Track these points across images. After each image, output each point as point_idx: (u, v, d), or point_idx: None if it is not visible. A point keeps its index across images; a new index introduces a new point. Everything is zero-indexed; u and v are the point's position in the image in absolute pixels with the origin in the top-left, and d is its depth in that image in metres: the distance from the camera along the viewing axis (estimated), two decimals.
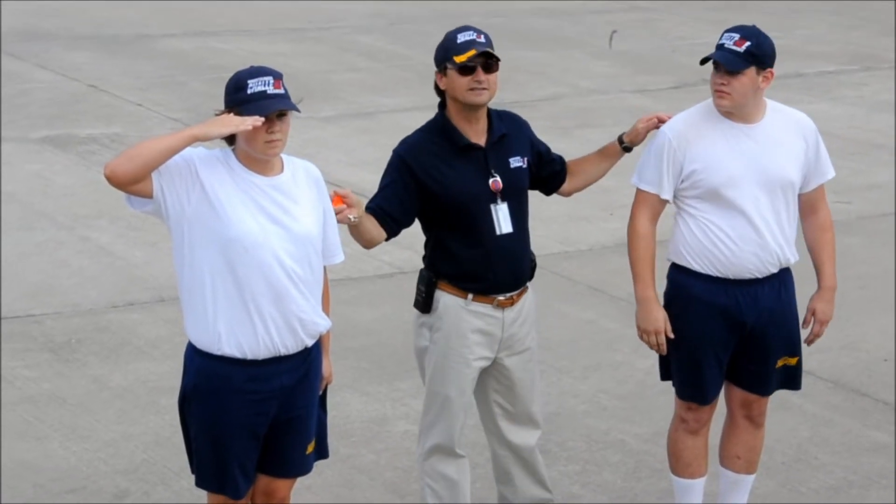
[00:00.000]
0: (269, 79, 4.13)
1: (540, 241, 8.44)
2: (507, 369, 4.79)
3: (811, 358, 6.62)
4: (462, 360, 4.70)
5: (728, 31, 4.72)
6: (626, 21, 14.99)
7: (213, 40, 13.64)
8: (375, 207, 4.66)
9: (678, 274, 4.81)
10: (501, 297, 4.70)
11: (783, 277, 4.81)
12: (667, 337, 4.77)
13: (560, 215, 8.59)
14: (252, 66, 4.23)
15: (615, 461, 5.69)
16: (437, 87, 4.71)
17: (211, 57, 12.92)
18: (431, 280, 4.71)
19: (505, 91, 11.77)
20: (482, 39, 4.64)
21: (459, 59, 4.58)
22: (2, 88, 11.40)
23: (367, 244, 4.69)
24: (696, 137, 4.69)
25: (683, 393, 4.88)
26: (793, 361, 4.90)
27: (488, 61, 4.62)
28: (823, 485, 5.54)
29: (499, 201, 4.66)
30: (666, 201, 4.76)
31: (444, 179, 4.63)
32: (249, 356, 4.08)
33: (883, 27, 14.71)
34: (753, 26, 4.75)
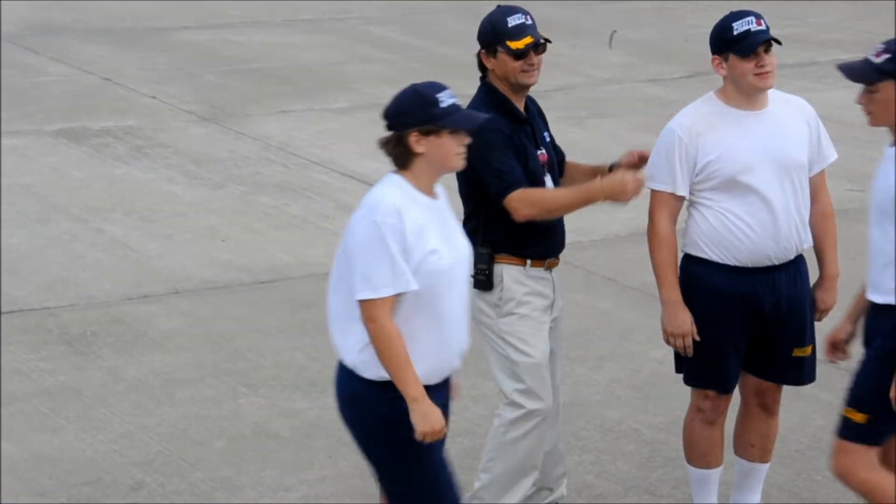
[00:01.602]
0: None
1: None
2: (553, 329, 4.90)
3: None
4: (534, 322, 4.78)
5: (734, 18, 4.68)
6: (639, 10, 14.96)
7: (227, 32, 13.65)
8: (520, 182, 4.65)
9: (694, 265, 4.80)
10: (551, 259, 4.85)
11: (798, 264, 4.81)
12: (693, 339, 4.75)
13: None
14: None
15: (629, 451, 5.70)
16: (480, 64, 4.79)
17: (225, 49, 12.94)
18: (490, 255, 4.77)
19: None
20: (531, 22, 4.74)
21: (516, 45, 4.68)
22: (17, 82, 11.44)
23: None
24: (705, 129, 4.68)
25: (703, 381, 4.87)
26: (807, 351, 4.89)
27: (539, 44, 4.71)
28: None
29: (546, 172, 4.80)
30: (682, 198, 4.75)
31: (517, 150, 4.71)
32: None
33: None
34: (746, 10, 4.76)
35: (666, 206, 4.73)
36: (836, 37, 13.59)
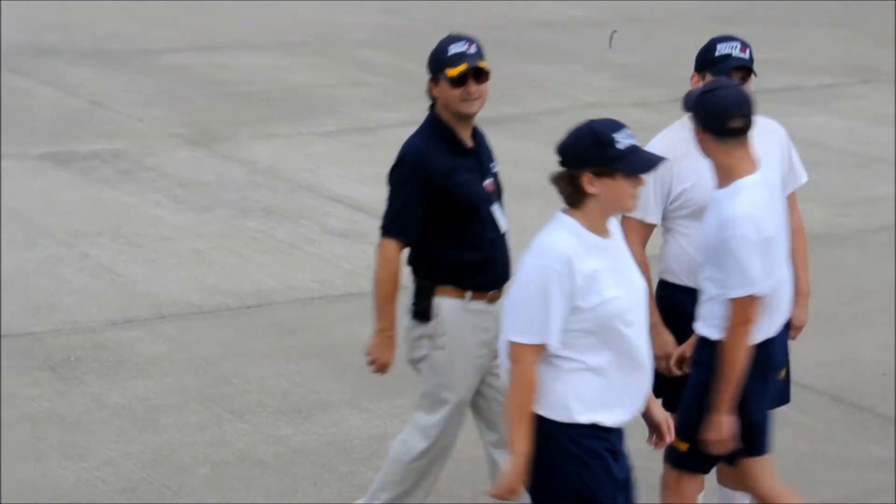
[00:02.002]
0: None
1: None
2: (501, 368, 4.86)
3: (810, 373, 6.63)
4: (469, 361, 4.77)
5: (721, 41, 4.72)
6: (626, 34, 15.02)
7: (215, 55, 13.66)
8: (401, 231, 4.68)
9: (671, 291, 4.83)
10: (493, 291, 4.81)
11: None
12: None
13: None
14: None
15: None
16: (429, 93, 4.81)
17: (212, 72, 12.95)
18: (430, 287, 4.76)
19: (505, 104, 11.92)
20: (473, 50, 4.74)
21: (452, 72, 4.68)
22: (4, 105, 11.43)
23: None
24: (680, 156, 4.69)
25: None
26: (782, 374, 4.90)
27: (479, 72, 4.71)
28: (823, 499, 5.53)
29: (494, 202, 4.82)
30: (653, 225, 4.77)
31: (454, 181, 4.71)
32: None
33: (882, 40, 14.72)
34: (734, 35, 4.79)
35: (638, 233, 4.76)
36: (822, 62, 13.64)
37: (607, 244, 3.94)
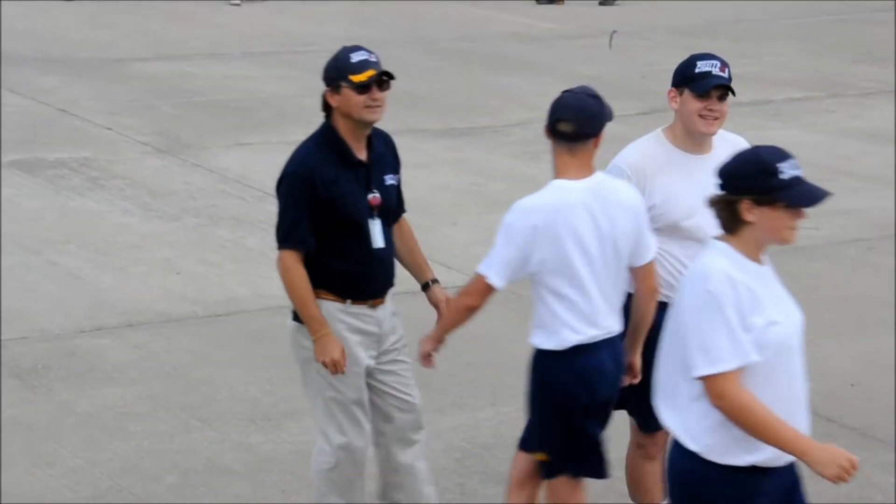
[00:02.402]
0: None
1: None
2: (393, 361, 4.96)
3: None
4: (352, 360, 4.83)
5: (701, 58, 4.74)
6: (596, 46, 15.06)
7: (184, 64, 13.62)
8: (298, 242, 4.75)
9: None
10: (374, 299, 4.89)
11: None
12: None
13: None
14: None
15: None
16: (324, 103, 4.84)
17: (182, 81, 12.91)
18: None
19: (476, 115, 11.94)
20: (375, 59, 4.81)
21: (358, 77, 4.74)
22: None
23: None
24: (653, 171, 4.72)
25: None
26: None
27: (383, 80, 4.78)
28: None
29: (375, 216, 4.84)
30: None
31: (335, 193, 4.76)
32: None
33: (850, 54, 14.82)
34: (714, 54, 4.81)
35: None
36: (791, 76, 13.72)
37: (762, 271, 3.81)
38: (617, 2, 17.41)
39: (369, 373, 4.94)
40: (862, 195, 9.74)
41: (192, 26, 15.65)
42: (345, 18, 16.40)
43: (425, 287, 5.02)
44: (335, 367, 4.80)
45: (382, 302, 4.92)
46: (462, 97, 12.40)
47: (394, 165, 4.98)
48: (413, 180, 10.33)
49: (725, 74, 4.71)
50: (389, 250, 4.93)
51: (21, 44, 14.16)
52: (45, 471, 5.72)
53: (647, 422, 4.88)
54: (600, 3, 17.43)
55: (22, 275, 7.98)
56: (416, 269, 5.08)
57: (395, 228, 5.03)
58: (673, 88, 4.79)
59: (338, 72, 4.78)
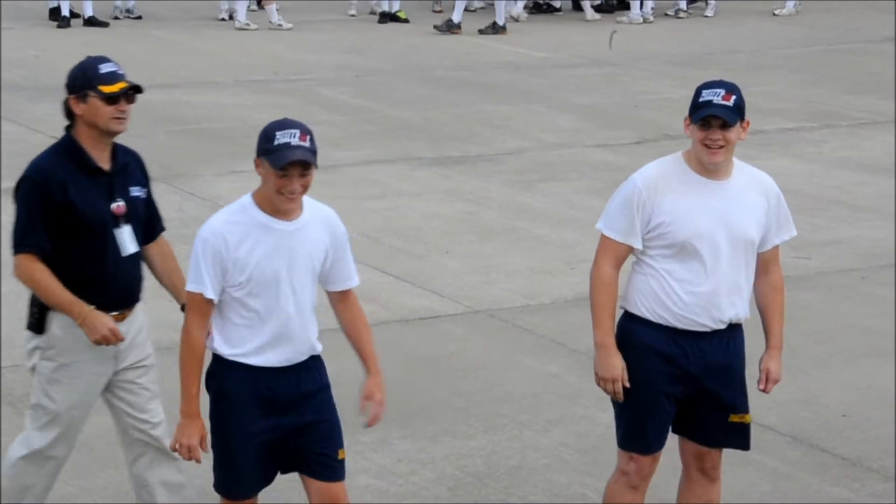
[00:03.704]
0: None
1: (503, 294, 8.50)
2: (132, 382, 5.03)
3: (770, 413, 6.66)
4: (77, 377, 4.91)
5: (707, 87, 4.74)
6: (589, 75, 15.12)
7: (178, 92, 13.65)
8: (34, 246, 4.83)
9: (629, 321, 4.86)
10: (115, 313, 4.93)
11: (733, 332, 4.86)
12: (623, 386, 4.79)
13: (523, 269, 8.61)
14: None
15: None
16: (67, 111, 4.97)
17: (175, 109, 12.93)
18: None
19: (470, 144, 11.96)
20: (122, 72, 4.94)
21: (109, 89, 4.87)
22: None
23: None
24: (666, 190, 4.72)
25: (626, 443, 4.91)
26: (746, 419, 4.92)
27: (130, 93, 4.91)
28: None
29: (121, 224, 4.92)
30: (632, 249, 4.79)
31: (75, 201, 4.83)
32: None
33: (842, 85, 14.89)
34: (726, 80, 4.81)
35: (615, 253, 4.79)
36: (783, 106, 13.77)
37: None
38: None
39: (108, 387, 5.02)
40: (855, 225, 9.77)
41: (184, 55, 15.69)
42: (338, 47, 16.46)
43: (184, 308, 4.96)
44: (114, 336, 4.82)
45: (124, 317, 4.95)
46: (456, 126, 12.43)
47: (141, 180, 5.07)
48: (406, 208, 10.42)
49: (730, 103, 4.69)
50: (136, 263, 4.99)
51: (14, 72, 14.18)
52: None
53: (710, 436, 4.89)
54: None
55: (15, 302, 7.96)
56: (175, 291, 5.11)
57: (154, 248, 5.10)
58: (687, 116, 4.80)
59: (86, 81, 4.90)
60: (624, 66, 15.62)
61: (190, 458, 4.72)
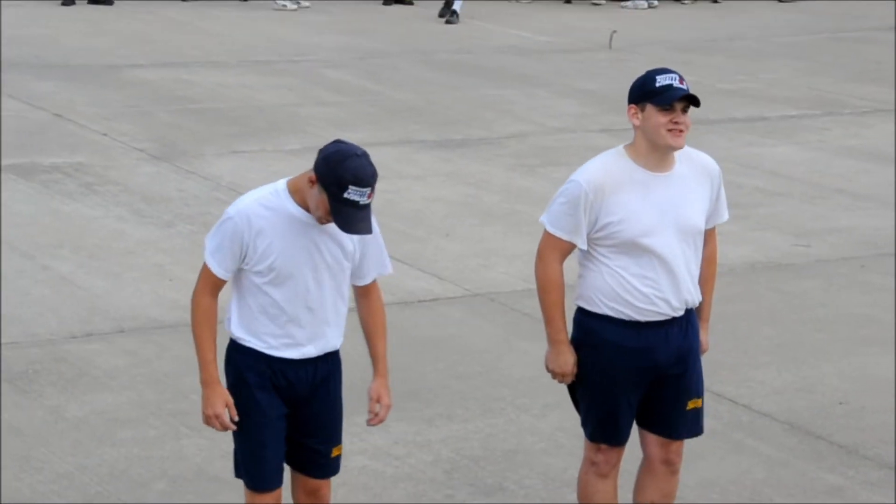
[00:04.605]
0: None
1: (503, 277, 8.50)
2: None
3: (767, 400, 6.67)
4: None
5: (659, 73, 4.72)
6: (593, 60, 15.10)
7: (181, 71, 13.64)
8: None
9: (589, 319, 4.86)
10: None
11: (689, 316, 4.90)
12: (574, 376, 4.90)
13: (523, 253, 8.60)
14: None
15: (572, 499, 5.69)
16: None
17: (178, 88, 12.92)
18: None
19: (472, 127, 11.95)
20: None
21: None
22: None
23: None
24: (612, 190, 4.71)
25: (596, 435, 4.95)
26: (699, 403, 4.95)
27: None
28: None
29: None
30: (576, 247, 4.80)
31: None
32: None
33: (846, 73, 14.87)
34: (670, 68, 4.82)
35: (560, 249, 4.80)
36: (786, 93, 13.75)
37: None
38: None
39: None
40: (856, 213, 9.76)
41: (189, 34, 15.67)
42: (342, 29, 16.43)
43: None
44: None
45: None
46: (458, 109, 12.42)
47: None
48: (407, 192, 10.42)
49: (685, 87, 4.71)
50: None
51: (19, 49, 14.17)
52: (33, 476, 5.71)
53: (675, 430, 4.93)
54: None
55: (15, 279, 7.98)
56: None
57: None
58: (632, 105, 4.75)
59: None
60: (628, 52, 15.59)
61: (223, 429, 4.63)
